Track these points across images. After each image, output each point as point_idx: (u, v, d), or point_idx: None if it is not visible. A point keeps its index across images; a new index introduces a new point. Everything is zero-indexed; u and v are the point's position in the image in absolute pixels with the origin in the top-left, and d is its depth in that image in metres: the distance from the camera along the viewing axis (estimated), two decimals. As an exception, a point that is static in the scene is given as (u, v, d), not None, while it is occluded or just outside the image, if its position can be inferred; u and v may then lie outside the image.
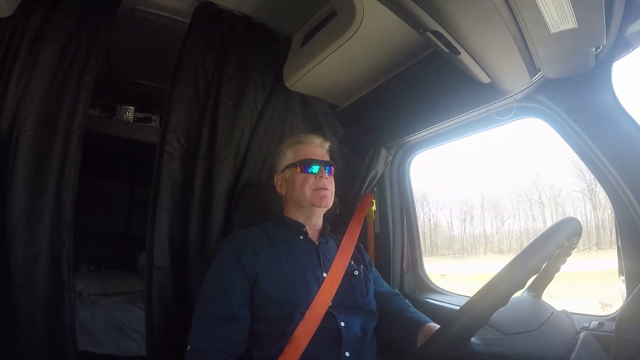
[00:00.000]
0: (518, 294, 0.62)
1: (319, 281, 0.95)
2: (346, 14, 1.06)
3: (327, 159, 1.09)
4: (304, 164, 1.03)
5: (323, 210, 1.06)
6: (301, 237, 1.03)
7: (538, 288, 0.81)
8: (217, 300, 0.90)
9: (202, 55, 1.30)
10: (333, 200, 1.06)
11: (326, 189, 1.02)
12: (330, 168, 1.06)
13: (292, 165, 1.04)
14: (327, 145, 1.13)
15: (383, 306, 1.04)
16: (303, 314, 0.89)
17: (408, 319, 0.98)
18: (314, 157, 1.04)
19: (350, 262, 1.04)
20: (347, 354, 0.88)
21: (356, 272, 1.02)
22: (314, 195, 1.01)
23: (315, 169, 1.03)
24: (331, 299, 0.92)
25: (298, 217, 1.05)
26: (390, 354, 1.03)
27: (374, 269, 1.15)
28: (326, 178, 1.03)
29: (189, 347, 0.86)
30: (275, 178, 1.10)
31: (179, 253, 1.19)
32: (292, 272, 0.94)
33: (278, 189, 1.08)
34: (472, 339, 0.61)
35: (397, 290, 1.15)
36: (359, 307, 0.97)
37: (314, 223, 1.06)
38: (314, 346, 0.86)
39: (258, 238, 0.99)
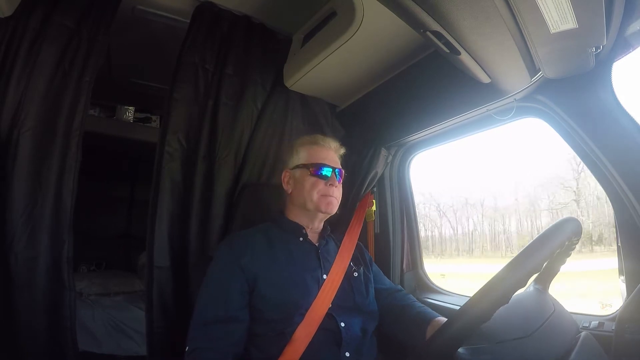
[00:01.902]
0: (521, 290, 0.61)
1: (319, 282, 0.95)
2: (346, 14, 1.06)
3: (339, 166, 1.06)
4: (317, 168, 1.00)
5: (326, 216, 1.04)
6: (301, 239, 1.02)
7: (544, 281, 0.80)
8: (215, 302, 0.90)
9: (202, 55, 1.30)
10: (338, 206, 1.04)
11: (333, 196, 1.01)
12: (340, 175, 1.04)
13: (304, 166, 1.02)
14: (341, 151, 1.10)
15: (386, 303, 1.03)
16: (303, 315, 0.88)
17: (415, 314, 0.96)
18: (327, 163, 1.02)
19: (350, 263, 1.03)
20: (347, 354, 0.88)
21: (356, 274, 1.01)
22: (321, 200, 0.99)
23: (327, 174, 1.00)
24: (331, 300, 0.92)
25: (300, 218, 1.04)
26: (390, 354, 1.03)
27: (374, 266, 1.14)
28: (336, 186, 1.01)
29: (187, 347, 0.86)
30: (283, 174, 1.07)
31: (179, 253, 1.19)
32: (292, 273, 0.94)
33: (285, 186, 1.06)
34: (460, 350, 0.59)
35: (399, 286, 1.14)
36: (358, 309, 0.96)
37: (316, 226, 1.05)
38: (314, 347, 0.86)
39: (256, 240, 0.98)
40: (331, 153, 1.06)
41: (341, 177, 1.05)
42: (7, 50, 1.10)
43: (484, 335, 0.63)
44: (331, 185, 1.00)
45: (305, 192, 1.00)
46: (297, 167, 1.03)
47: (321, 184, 1.00)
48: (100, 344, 2.01)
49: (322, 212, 1.00)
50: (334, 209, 1.02)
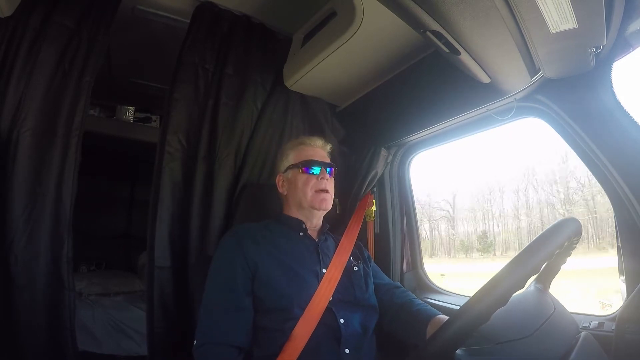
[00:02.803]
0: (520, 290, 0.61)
1: (318, 277, 0.96)
2: (346, 14, 1.06)
3: (328, 161, 1.11)
4: (306, 165, 1.05)
5: (323, 213, 1.07)
6: (301, 234, 1.04)
7: (545, 280, 0.80)
8: (222, 288, 0.91)
9: (202, 55, 1.30)
10: (332, 202, 1.07)
11: (327, 191, 1.04)
12: (331, 170, 1.08)
13: (295, 166, 1.06)
14: (328, 147, 1.15)
15: (385, 299, 1.04)
16: (303, 309, 0.89)
17: (415, 311, 0.97)
18: (316, 159, 1.06)
19: (349, 258, 1.04)
20: (347, 350, 0.88)
21: (355, 268, 1.03)
22: (315, 197, 1.03)
23: (316, 170, 1.05)
24: (331, 295, 0.93)
25: (298, 216, 1.07)
26: (390, 351, 1.03)
27: (373, 263, 1.15)
28: (327, 179, 1.05)
29: (195, 341, 0.87)
30: (277, 178, 1.11)
31: (179, 253, 1.19)
32: (292, 266, 0.95)
33: (280, 189, 1.10)
34: (458, 351, 0.59)
35: (398, 283, 1.14)
36: (358, 303, 0.97)
37: (314, 224, 1.08)
38: (314, 343, 0.86)
39: (259, 232, 1.01)
40: (318, 150, 1.11)
41: (332, 172, 1.08)
42: (7, 50, 1.10)
43: (483, 336, 0.62)
44: (322, 179, 1.04)
45: (299, 190, 1.04)
46: (288, 168, 1.08)
47: (313, 179, 1.04)
48: (100, 344, 2.00)
49: (316, 209, 1.04)
50: (329, 205, 1.05)
